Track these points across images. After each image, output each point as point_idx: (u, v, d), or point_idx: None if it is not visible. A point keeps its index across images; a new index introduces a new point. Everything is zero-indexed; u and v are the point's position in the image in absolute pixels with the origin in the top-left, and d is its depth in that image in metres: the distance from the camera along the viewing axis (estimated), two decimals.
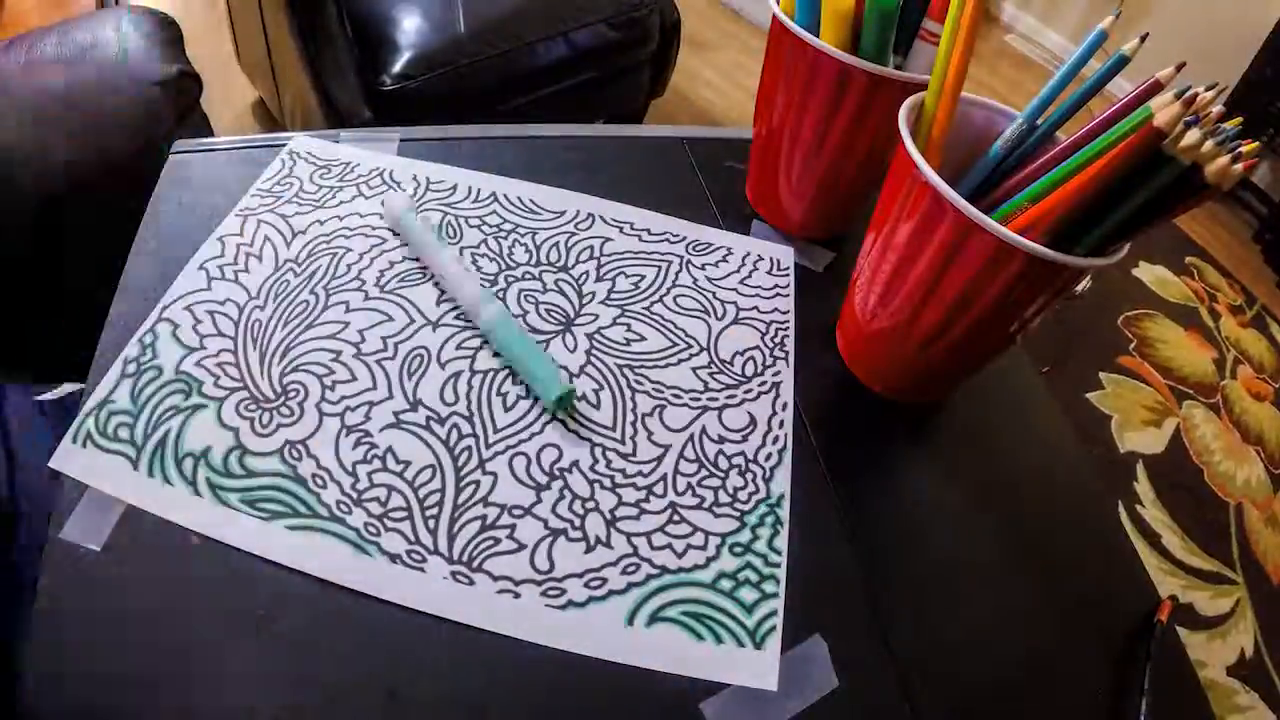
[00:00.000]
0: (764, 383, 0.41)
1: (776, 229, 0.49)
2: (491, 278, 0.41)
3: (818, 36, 0.38)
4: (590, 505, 0.34)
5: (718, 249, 0.47)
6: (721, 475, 0.36)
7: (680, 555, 0.33)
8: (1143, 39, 0.32)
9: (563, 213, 0.46)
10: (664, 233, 0.47)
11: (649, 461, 0.36)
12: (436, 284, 0.40)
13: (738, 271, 0.46)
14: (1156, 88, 0.31)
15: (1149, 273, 0.91)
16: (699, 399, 0.39)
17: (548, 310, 0.41)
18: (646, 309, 0.42)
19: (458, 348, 0.38)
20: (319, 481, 0.32)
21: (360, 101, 1.22)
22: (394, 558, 0.31)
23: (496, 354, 0.38)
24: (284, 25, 1.17)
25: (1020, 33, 2.29)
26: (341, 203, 0.43)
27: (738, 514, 0.35)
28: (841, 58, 0.37)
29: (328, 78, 1.21)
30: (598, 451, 0.36)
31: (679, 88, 1.99)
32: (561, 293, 0.42)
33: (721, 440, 0.38)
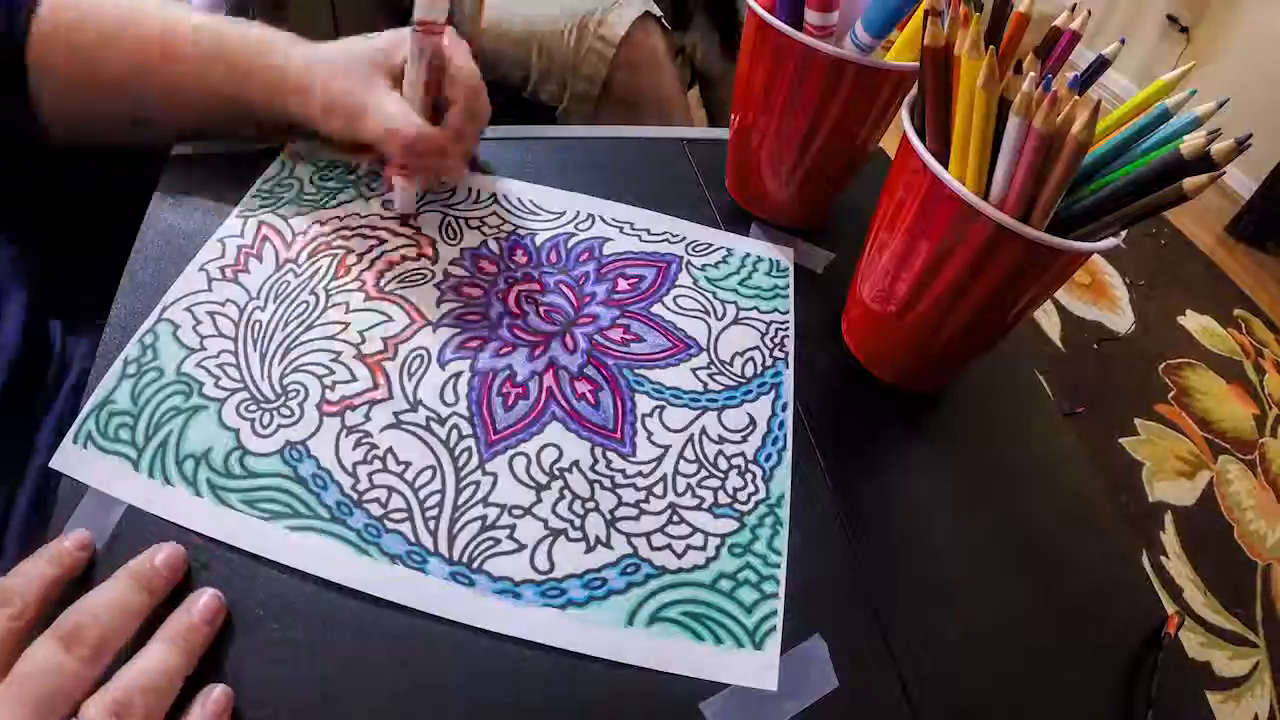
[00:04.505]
0: (763, 383, 0.41)
1: (774, 225, 0.49)
2: (491, 278, 0.41)
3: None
4: (590, 505, 0.34)
5: (717, 249, 0.47)
6: (721, 476, 0.36)
7: (680, 556, 0.33)
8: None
9: (563, 213, 0.46)
10: (664, 233, 0.47)
11: (649, 462, 0.36)
12: (437, 285, 0.40)
13: (737, 272, 0.46)
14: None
15: (1195, 322, 0.88)
16: (699, 399, 0.39)
17: (547, 311, 0.41)
18: (646, 309, 0.42)
19: (458, 348, 0.38)
20: (319, 482, 0.32)
21: None
22: (394, 559, 0.31)
23: (499, 354, 0.38)
24: None
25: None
26: (341, 203, 0.43)
27: (737, 514, 0.35)
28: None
29: None
30: (598, 451, 0.36)
31: None
32: (561, 293, 0.42)
33: (721, 441, 0.38)
